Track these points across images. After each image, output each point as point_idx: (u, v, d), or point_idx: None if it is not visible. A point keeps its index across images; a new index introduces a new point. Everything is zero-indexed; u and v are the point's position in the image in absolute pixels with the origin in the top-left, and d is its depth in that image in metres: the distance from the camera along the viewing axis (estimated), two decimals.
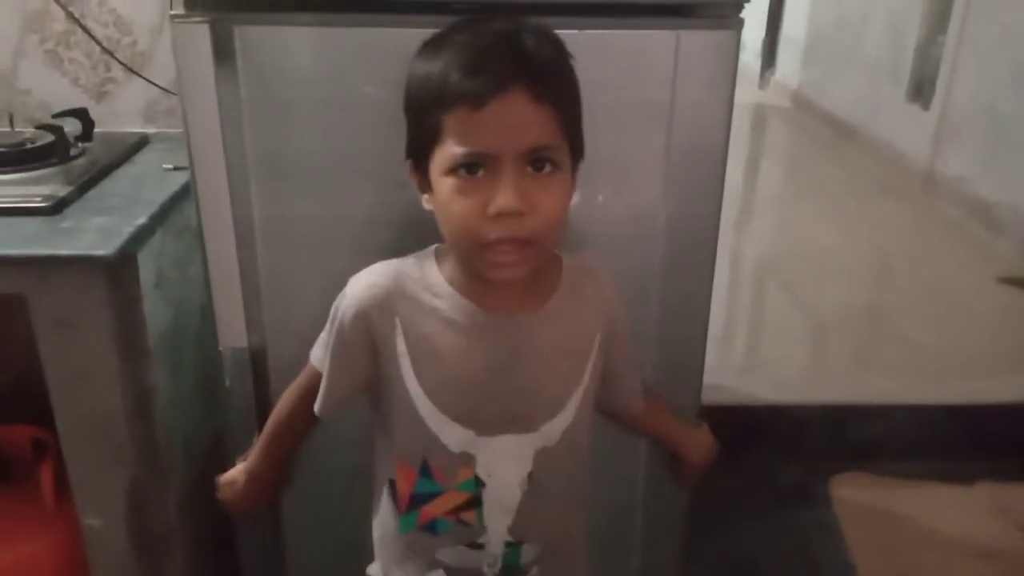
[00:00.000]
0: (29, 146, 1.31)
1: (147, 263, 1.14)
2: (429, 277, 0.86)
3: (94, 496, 1.21)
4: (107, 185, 1.27)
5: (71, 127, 1.38)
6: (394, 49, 0.95)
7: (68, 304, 1.08)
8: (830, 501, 1.86)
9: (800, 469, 1.94)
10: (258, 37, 0.95)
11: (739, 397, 2.07)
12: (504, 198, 0.74)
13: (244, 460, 1.01)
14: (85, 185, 1.23)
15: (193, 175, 1.01)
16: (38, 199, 1.15)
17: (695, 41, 0.96)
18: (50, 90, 1.51)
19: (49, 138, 1.32)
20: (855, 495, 1.87)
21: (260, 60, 0.96)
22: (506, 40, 0.76)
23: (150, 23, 1.48)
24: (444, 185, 0.78)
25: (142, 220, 1.13)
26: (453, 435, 0.86)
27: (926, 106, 3.81)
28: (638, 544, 1.25)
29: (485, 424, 0.86)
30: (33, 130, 1.36)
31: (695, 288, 1.10)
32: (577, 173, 0.82)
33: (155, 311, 1.17)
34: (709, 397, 1.21)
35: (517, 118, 0.74)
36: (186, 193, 1.23)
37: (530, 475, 0.88)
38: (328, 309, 0.89)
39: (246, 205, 1.02)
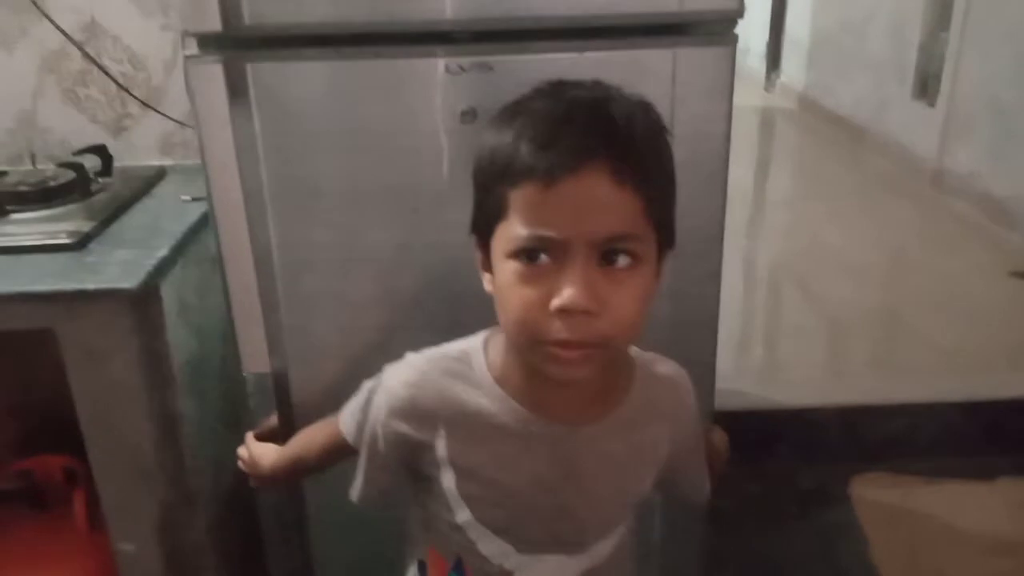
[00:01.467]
0: (52, 184, 1.34)
1: (170, 293, 1.17)
2: (476, 374, 0.76)
3: (126, 521, 1.23)
4: (128, 219, 1.30)
5: (91, 163, 1.42)
6: (402, 79, 0.98)
7: (95, 336, 1.12)
8: (850, 502, 1.86)
9: (820, 471, 1.94)
10: (270, 73, 0.98)
11: (757, 402, 2.08)
12: (570, 293, 0.64)
13: (258, 431, 1.03)
14: (107, 220, 1.27)
15: (212, 207, 1.04)
16: (63, 235, 1.18)
17: (691, 58, 0.98)
18: (69, 128, 1.56)
19: (70, 175, 1.36)
20: (875, 495, 1.88)
21: (273, 95, 0.99)
22: (588, 109, 0.67)
23: (164, 58, 1.53)
24: (505, 269, 0.68)
25: (163, 252, 1.16)
26: (491, 548, 0.79)
27: (932, 103, 3.81)
28: (658, 548, 1.26)
29: (528, 542, 0.79)
30: (55, 168, 1.40)
31: (704, 296, 1.12)
32: (665, 263, 0.73)
33: (179, 339, 1.20)
34: (728, 403, 1.21)
35: (593, 201, 0.64)
36: (204, 223, 1.26)
37: None
38: (345, 334, 0.90)
39: (264, 234, 1.05)
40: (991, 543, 1.74)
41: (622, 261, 0.66)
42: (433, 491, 0.79)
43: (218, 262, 1.07)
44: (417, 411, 0.77)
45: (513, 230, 0.66)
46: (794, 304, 2.95)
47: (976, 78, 3.48)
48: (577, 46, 0.97)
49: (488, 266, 0.73)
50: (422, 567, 0.86)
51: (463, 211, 0.76)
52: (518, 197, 0.66)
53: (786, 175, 4.68)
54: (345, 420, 0.86)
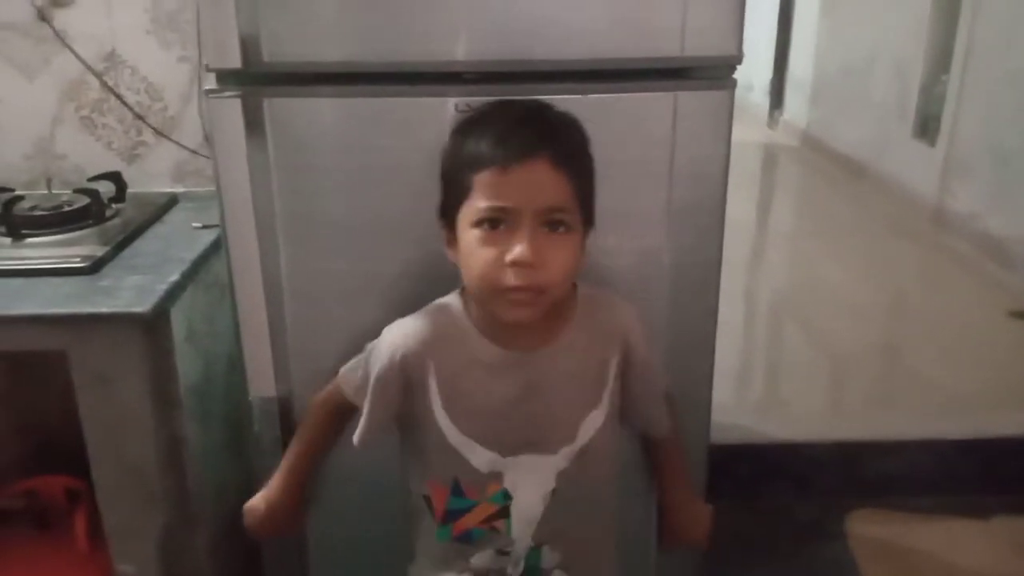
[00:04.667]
0: (67, 209, 1.38)
1: (179, 318, 1.20)
2: (457, 321, 0.96)
3: (127, 543, 1.25)
4: (140, 244, 1.33)
5: (105, 189, 1.46)
6: (412, 117, 1.02)
7: (106, 359, 1.14)
8: (847, 538, 1.87)
9: (817, 507, 1.95)
10: (286, 108, 1.02)
11: (755, 436, 2.09)
12: (520, 249, 0.85)
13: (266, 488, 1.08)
14: (120, 245, 1.30)
15: (225, 233, 1.07)
16: (77, 259, 1.21)
17: (691, 102, 1.02)
18: (85, 154, 1.59)
19: (85, 200, 1.39)
20: (872, 531, 1.88)
21: (288, 129, 1.03)
22: (533, 115, 0.90)
23: (179, 90, 1.57)
24: (470, 236, 0.88)
25: (175, 277, 1.19)
26: (480, 457, 0.96)
27: (932, 143, 3.86)
28: None
29: (508, 447, 0.96)
30: (70, 193, 1.43)
31: (700, 332, 1.14)
32: (587, 241, 0.93)
33: (186, 363, 1.22)
34: (726, 437, 1.23)
35: (538, 181, 0.85)
36: (215, 250, 1.30)
37: (553, 491, 0.97)
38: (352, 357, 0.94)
39: (274, 261, 1.08)
40: None
41: (559, 229, 0.87)
42: (428, 426, 0.96)
43: (228, 286, 1.10)
44: (414, 351, 0.95)
45: (477, 204, 0.87)
46: (794, 339, 2.97)
47: (976, 120, 3.52)
48: (581, 88, 1.00)
49: (451, 241, 0.92)
50: (427, 501, 1.00)
51: None
52: (481, 180, 0.86)
53: (788, 211, 4.72)
54: (346, 378, 1.02)
